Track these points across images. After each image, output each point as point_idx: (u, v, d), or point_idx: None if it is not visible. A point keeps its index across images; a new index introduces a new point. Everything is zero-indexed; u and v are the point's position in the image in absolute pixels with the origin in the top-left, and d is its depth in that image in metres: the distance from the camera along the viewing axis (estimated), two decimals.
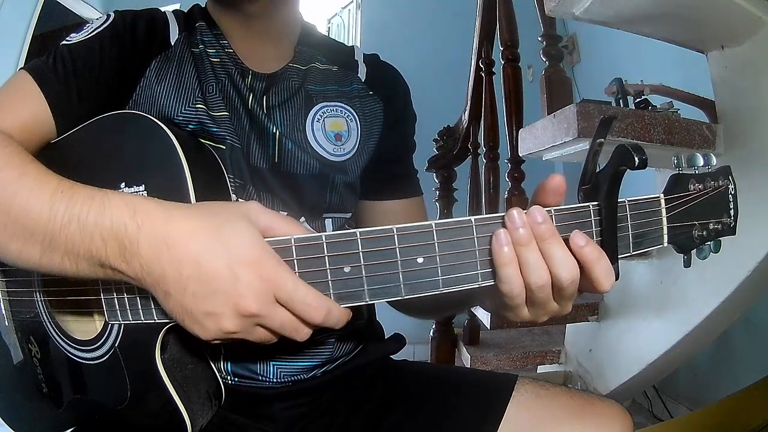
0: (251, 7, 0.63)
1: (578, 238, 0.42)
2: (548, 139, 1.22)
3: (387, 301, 0.49)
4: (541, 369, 1.79)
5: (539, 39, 1.46)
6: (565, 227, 0.43)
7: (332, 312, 0.43)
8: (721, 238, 0.49)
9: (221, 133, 0.61)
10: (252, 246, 0.41)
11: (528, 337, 1.86)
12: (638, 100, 1.35)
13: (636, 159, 0.41)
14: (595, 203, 0.44)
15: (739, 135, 1.18)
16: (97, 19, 0.62)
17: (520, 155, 1.44)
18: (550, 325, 1.86)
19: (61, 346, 0.58)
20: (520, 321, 0.47)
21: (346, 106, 0.69)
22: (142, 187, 0.50)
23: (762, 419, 1.16)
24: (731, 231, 0.49)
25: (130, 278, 0.43)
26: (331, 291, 0.43)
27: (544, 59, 1.44)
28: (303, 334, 0.44)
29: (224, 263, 0.40)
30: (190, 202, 0.48)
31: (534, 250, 0.42)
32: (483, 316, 1.57)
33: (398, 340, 0.77)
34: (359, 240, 0.42)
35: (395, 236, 0.42)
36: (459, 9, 2.54)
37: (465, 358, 1.74)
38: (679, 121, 1.20)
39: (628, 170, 0.43)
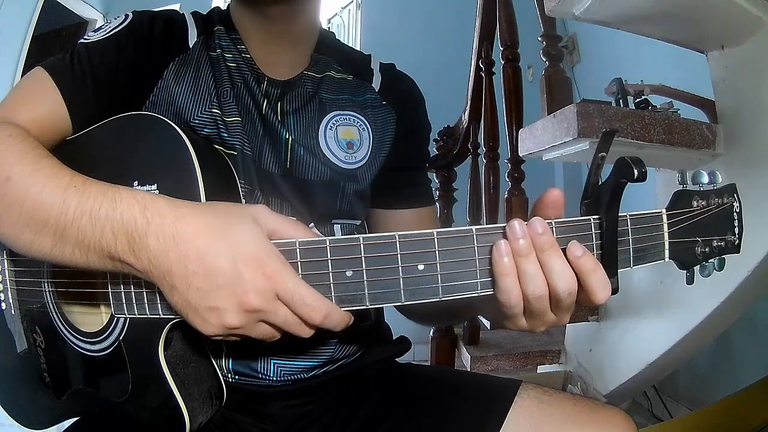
0: (273, 10, 0.64)
1: (575, 248, 0.43)
2: (548, 139, 1.21)
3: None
4: (541, 369, 1.79)
5: (539, 39, 1.46)
6: (565, 239, 0.44)
7: (331, 314, 0.43)
8: (725, 256, 0.48)
9: (231, 140, 0.61)
10: (257, 245, 0.42)
11: (528, 337, 1.86)
12: (638, 100, 1.34)
13: (635, 172, 0.41)
14: (596, 216, 0.44)
15: (739, 135, 1.17)
16: (116, 18, 0.63)
17: (520, 155, 1.43)
18: None
19: (66, 336, 0.59)
20: (519, 330, 0.48)
21: (358, 115, 0.70)
22: (154, 186, 0.51)
23: (762, 419, 1.16)
24: (735, 249, 0.49)
25: (138, 271, 0.44)
26: (333, 294, 0.44)
27: (544, 59, 1.44)
28: (306, 331, 0.45)
29: (229, 260, 0.41)
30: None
31: (533, 261, 0.42)
32: None
33: (403, 343, 0.78)
34: (362, 245, 0.43)
35: (397, 243, 0.43)
36: (459, 9, 2.54)
37: (465, 358, 1.75)
38: (679, 121, 1.19)
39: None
